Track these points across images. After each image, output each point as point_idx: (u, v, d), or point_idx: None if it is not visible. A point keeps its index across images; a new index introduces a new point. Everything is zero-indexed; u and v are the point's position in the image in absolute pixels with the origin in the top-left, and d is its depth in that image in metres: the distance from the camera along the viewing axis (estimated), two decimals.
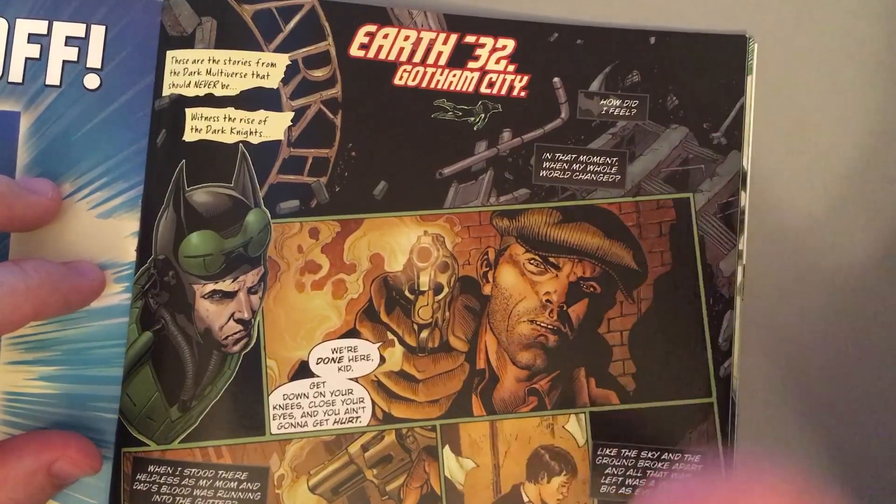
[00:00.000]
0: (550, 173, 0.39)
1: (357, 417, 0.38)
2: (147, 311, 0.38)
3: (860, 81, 0.41)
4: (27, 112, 0.38)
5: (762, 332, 0.40)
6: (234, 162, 0.38)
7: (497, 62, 0.40)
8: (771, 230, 0.41)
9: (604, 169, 0.39)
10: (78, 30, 0.38)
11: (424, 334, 0.39)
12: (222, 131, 0.38)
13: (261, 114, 0.38)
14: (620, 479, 0.39)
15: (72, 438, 0.35)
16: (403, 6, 0.39)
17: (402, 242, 0.39)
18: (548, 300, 0.39)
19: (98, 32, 0.38)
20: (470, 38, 0.40)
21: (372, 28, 0.39)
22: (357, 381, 0.38)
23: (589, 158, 0.39)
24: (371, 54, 0.39)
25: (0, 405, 0.37)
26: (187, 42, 0.38)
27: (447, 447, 0.39)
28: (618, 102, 0.40)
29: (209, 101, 0.38)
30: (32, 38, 0.38)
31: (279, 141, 0.39)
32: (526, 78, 0.40)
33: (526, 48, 0.40)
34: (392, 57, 0.39)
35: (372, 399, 0.38)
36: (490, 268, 0.39)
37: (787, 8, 0.41)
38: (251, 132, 0.38)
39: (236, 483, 0.38)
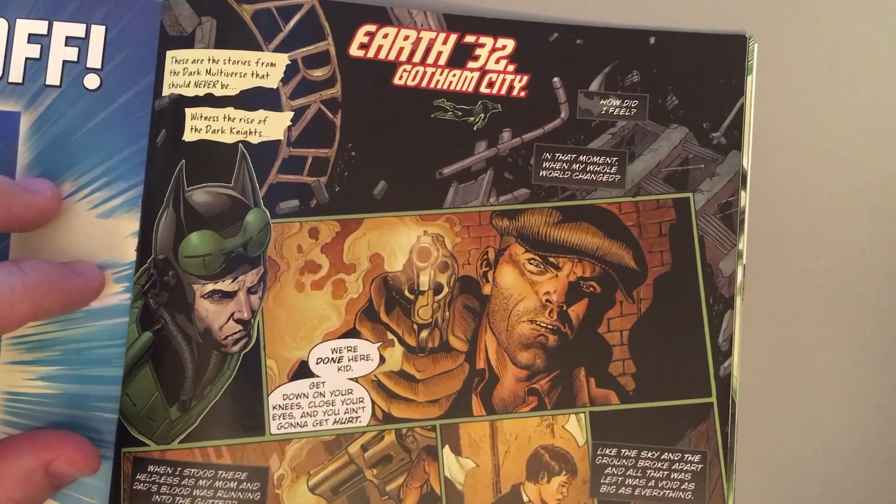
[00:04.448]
0: (550, 173, 0.39)
1: (357, 417, 0.38)
2: (147, 310, 0.38)
3: (860, 81, 0.41)
4: (27, 112, 0.38)
5: (762, 332, 0.40)
6: (234, 162, 0.38)
7: (497, 62, 0.40)
8: (771, 230, 0.41)
9: (603, 169, 0.39)
10: (78, 30, 0.38)
11: (424, 334, 0.39)
12: (222, 131, 0.38)
13: (260, 113, 0.38)
14: (620, 479, 0.39)
15: (70, 438, 0.35)
16: (403, 6, 0.40)
17: (402, 242, 0.39)
18: (548, 300, 0.39)
19: (98, 32, 0.38)
20: (470, 38, 0.40)
21: (372, 28, 0.39)
22: (357, 381, 0.38)
23: (589, 158, 0.39)
24: (371, 54, 0.39)
25: (0, 405, 0.36)
26: (187, 42, 0.38)
27: (447, 447, 0.39)
28: (617, 102, 0.40)
29: (209, 100, 0.38)
30: (32, 38, 0.38)
31: (279, 141, 0.39)
32: (526, 78, 0.40)
33: (526, 48, 0.40)
34: (392, 57, 0.39)
35: (372, 399, 0.38)
36: (490, 268, 0.39)
37: (787, 8, 0.41)
38: (251, 132, 0.38)
39: (236, 483, 0.38)
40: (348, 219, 0.39)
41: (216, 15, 0.39)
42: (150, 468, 0.37)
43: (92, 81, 0.38)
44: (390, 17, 0.39)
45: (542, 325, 0.39)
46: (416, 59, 0.39)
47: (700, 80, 0.40)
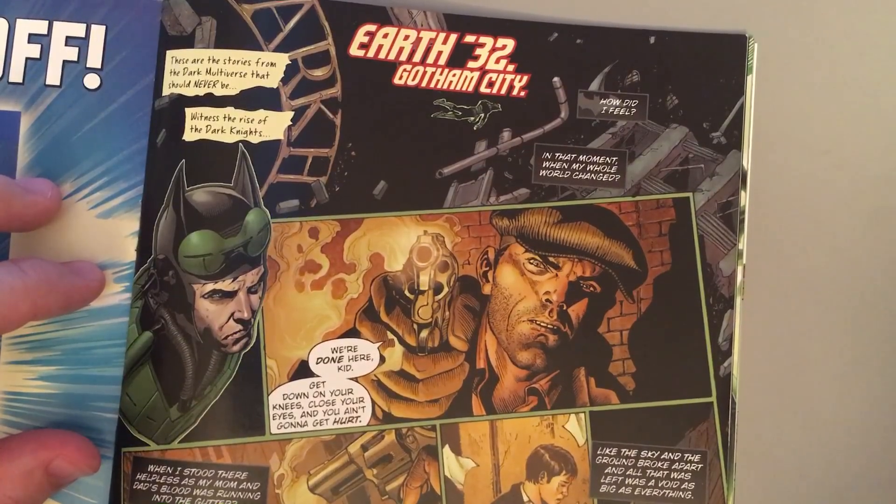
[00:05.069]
0: (550, 173, 0.39)
1: (357, 417, 0.38)
2: (147, 310, 0.38)
3: (860, 81, 0.41)
4: (27, 112, 0.38)
5: (762, 332, 0.40)
6: (234, 161, 0.38)
7: (497, 62, 0.40)
8: (771, 230, 0.41)
9: (603, 168, 0.39)
10: (78, 30, 0.38)
11: (424, 334, 0.39)
12: (222, 131, 0.38)
13: (260, 113, 0.38)
14: (620, 478, 0.39)
15: (70, 437, 0.35)
16: (403, 6, 0.40)
17: (402, 242, 0.39)
18: (547, 300, 0.39)
19: (98, 32, 0.38)
20: (470, 38, 0.40)
21: (372, 27, 0.39)
22: (357, 381, 0.38)
23: (589, 158, 0.39)
24: (371, 54, 0.39)
25: (0, 405, 0.37)
26: (187, 42, 0.38)
27: (447, 447, 0.39)
28: (617, 102, 0.40)
29: (209, 100, 0.38)
30: (32, 38, 0.38)
31: (279, 140, 0.39)
32: (526, 77, 0.40)
33: (526, 48, 0.40)
34: (392, 56, 0.39)
35: (372, 399, 0.38)
36: (490, 267, 0.39)
37: (787, 8, 0.42)
38: (251, 132, 0.38)
39: (236, 483, 0.38)
40: (348, 218, 0.39)
41: (216, 15, 0.39)
42: (150, 468, 0.37)
43: (92, 81, 0.38)
44: (390, 17, 0.39)
45: (542, 324, 0.39)
46: (416, 58, 0.39)
47: (700, 80, 0.40)
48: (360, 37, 0.39)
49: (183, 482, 0.37)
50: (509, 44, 0.40)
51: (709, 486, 0.39)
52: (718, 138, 0.40)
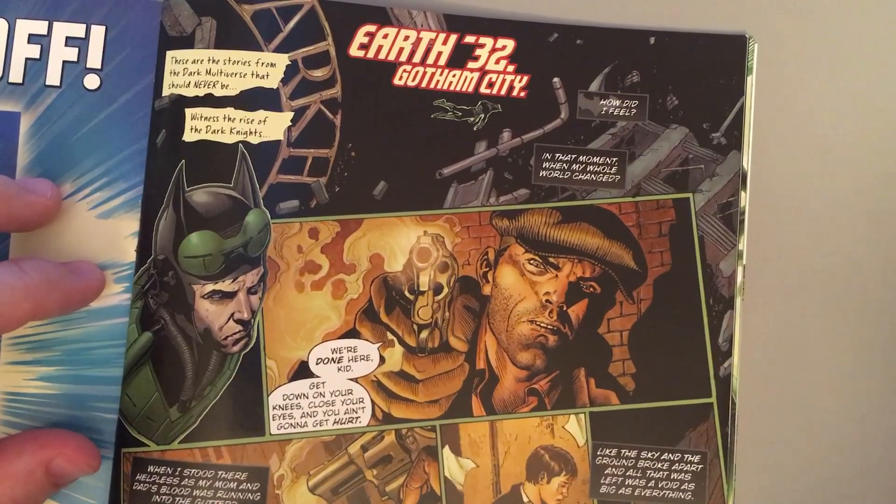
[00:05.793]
0: (550, 173, 0.39)
1: (357, 418, 0.38)
2: (147, 311, 0.38)
3: (860, 81, 0.41)
4: (27, 112, 0.38)
5: (762, 332, 0.40)
6: (234, 162, 0.38)
7: (497, 62, 0.40)
8: (771, 230, 0.41)
9: (603, 169, 0.39)
10: (78, 30, 0.38)
11: (424, 334, 0.39)
12: (222, 131, 0.38)
13: (260, 114, 0.38)
14: (620, 479, 0.39)
15: (70, 437, 0.35)
16: (403, 6, 0.40)
17: (402, 242, 0.39)
18: (547, 300, 0.39)
19: (98, 32, 0.38)
20: (470, 39, 0.40)
21: (372, 28, 0.39)
22: (357, 382, 0.38)
23: (589, 158, 0.39)
24: (371, 54, 0.39)
25: (0, 405, 0.36)
26: (187, 42, 0.38)
27: (447, 447, 0.39)
28: (617, 102, 0.40)
29: (209, 101, 0.38)
30: (32, 38, 0.38)
31: (279, 141, 0.39)
32: (526, 78, 0.40)
33: (525, 48, 0.40)
34: (392, 57, 0.39)
35: (372, 399, 0.38)
36: (490, 268, 0.39)
37: (787, 8, 0.41)
38: (251, 132, 0.38)
39: (236, 483, 0.38)
40: (348, 219, 0.39)
41: (216, 15, 0.39)
42: (150, 468, 0.37)
43: (92, 81, 0.38)
44: (390, 18, 0.39)
45: (541, 325, 0.39)
46: (416, 59, 0.39)
47: (700, 80, 0.40)
48: (360, 37, 0.39)
49: (183, 483, 0.37)
50: (509, 44, 0.40)
51: (709, 486, 0.39)
52: (718, 139, 0.40)
